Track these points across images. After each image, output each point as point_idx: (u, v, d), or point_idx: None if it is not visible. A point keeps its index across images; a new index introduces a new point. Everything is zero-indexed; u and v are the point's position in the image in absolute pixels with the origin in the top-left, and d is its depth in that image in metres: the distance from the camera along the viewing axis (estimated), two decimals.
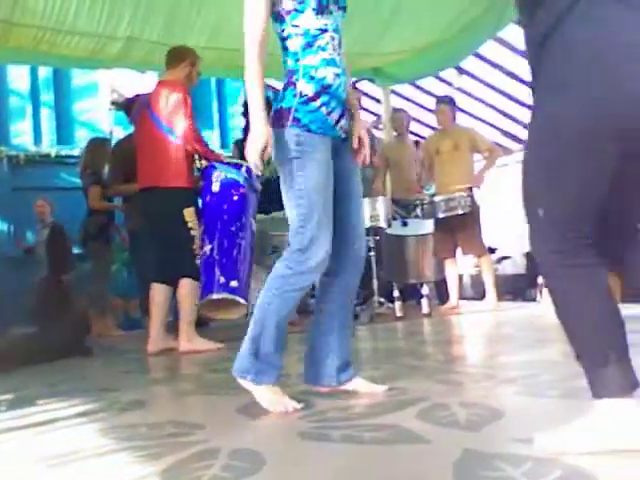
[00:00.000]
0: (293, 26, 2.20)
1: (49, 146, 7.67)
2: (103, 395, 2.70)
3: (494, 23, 5.94)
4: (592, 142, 1.47)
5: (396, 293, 5.16)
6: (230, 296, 3.92)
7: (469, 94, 8.17)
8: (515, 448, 1.55)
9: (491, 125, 8.72)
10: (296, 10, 2.19)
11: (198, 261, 3.97)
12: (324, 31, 2.20)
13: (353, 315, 2.53)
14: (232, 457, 1.64)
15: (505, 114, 8.54)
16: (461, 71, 7.80)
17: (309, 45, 2.19)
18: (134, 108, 4.66)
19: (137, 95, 5.28)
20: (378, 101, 8.19)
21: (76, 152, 7.49)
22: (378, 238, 5.34)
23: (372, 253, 5.24)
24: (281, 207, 4.82)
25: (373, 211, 5.10)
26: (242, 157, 4.98)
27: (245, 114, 5.46)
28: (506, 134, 8.91)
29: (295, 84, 2.20)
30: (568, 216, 1.53)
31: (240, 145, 5.40)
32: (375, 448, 1.67)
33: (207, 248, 3.95)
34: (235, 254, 3.98)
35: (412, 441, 1.69)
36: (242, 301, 3.97)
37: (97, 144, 5.64)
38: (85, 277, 5.76)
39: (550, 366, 2.55)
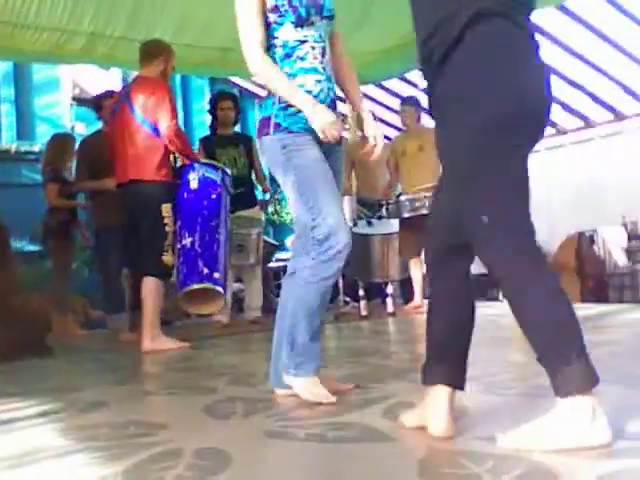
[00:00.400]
0: (273, 38, 2.29)
1: (9, 142, 7.51)
2: (63, 395, 2.65)
3: None
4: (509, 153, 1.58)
5: (361, 292, 5.19)
6: (214, 286, 3.97)
7: None
8: (479, 445, 1.57)
9: None
10: (276, 23, 2.27)
11: (165, 257, 3.94)
12: (303, 42, 2.28)
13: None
14: (196, 457, 1.62)
15: None
16: None
17: (288, 56, 2.28)
18: (107, 104, 4.65)
19: (108, 91, 5.24)
20: (344, 101, 8.20)
21: (36, 148, 7.37)
22: None
23: None
24: (245, 206, 4.80)
25: None
26: (208, 155, 4.98)
27: (211, 111, 5.42)
28: None
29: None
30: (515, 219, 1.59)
31: (205, 143, 5.37)
32: (341, 447, 1.67)
33: (187, 241, 3.97)
34: (216, 248, 4.03)
35: (377, 439, 1.69)
36: (221, 291, 4.01)
37: (59, 140, 5.53)
38: (45, 275, 5.67)
39: (512, 365, 2.59)
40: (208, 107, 5.55)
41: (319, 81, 2.28)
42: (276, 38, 2.28)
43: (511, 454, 1.46)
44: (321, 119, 2.18)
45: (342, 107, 8.66)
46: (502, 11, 1.58)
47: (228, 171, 4.36)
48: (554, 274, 1.64)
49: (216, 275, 3.97)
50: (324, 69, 2.31)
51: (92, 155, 4.84)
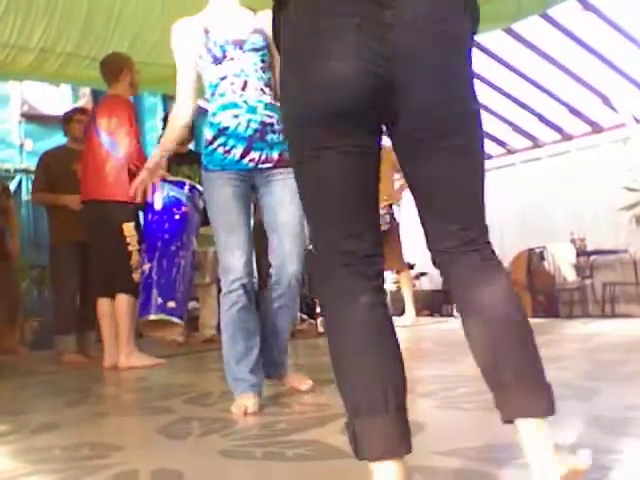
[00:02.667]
0: (205, 80, 2.51)
1: None
2: (12, 418, 2.57)
3: None
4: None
5: (318, 309, 5.19)
6: (166, 317, 3.90)
7: None
8: (436, 460, 1.57)
9: None
10: (202, 67, 2.50)
11: (136, 277, 3.93)
12: (223, 78, 2.45)
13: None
14: (153, 478, 1.59)
15: None
16: None
17: (212, 94, 2.48)
18: (76, 118, 4.73)
19: (77, 108, 5.20)
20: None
21: None
22: None
23: None
24: (201, 224, 4.74)
25: None
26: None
27: (164, 129, 5.38)
28: None
29: None
30: (326, 231, 1.30)
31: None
32: (299, 464, 1.66)
33: (146, 267, 3.91)
34: (174, 273, 3.96)
35: (335, 456, 1.69)
36: (178, 321, 3.97)
37: None
38: None
39: (467, 380, 2.61)
40: (161, 125, 5.50)
41: (236, 115, 2.42)
42: (206, 80, 2.50)
43: (469, 468, 1.48)
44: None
45: None
46: None
47: (198, 186, 4.34)
48: None
49: (170, 304, 3.90)
50: (245, 102, 2.43)
51: (53, 169, 4.75)
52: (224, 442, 1.92)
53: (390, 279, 8.02)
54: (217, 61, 2.45)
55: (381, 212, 5.44)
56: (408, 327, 5.48)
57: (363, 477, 1.51)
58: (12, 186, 7.51)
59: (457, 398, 2.35)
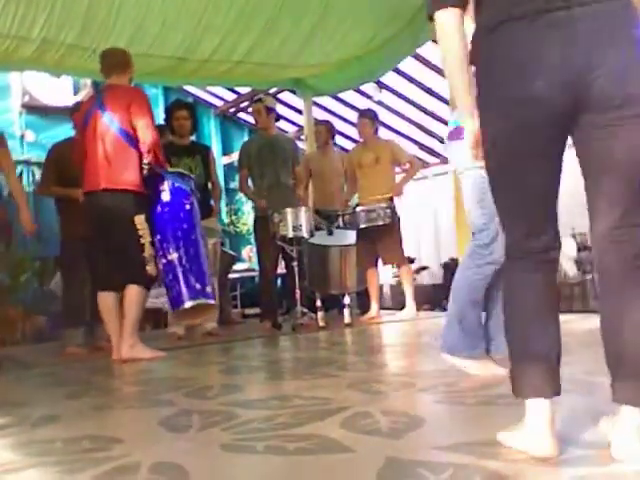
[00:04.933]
0: None
1: None
2: (14, 410, 2.58)
3: (412, 40, 6.11)
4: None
5: (318, 303, 5.19)
6: (206, 301, 4.04)
7: (388, 108, 8.34)
8: (436, 455, 1.58)
9: (408, 138, 8.93)
10: None
11: (149, 268, 3.91)
12: None
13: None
14: (153, 471, 1.59)
15: (422, 128, 8.76)
16: (381, 85, 7.95)
17: None
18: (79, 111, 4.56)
19: (78, 103, 5.20)
20: (300, 112, 8.24)
21: None
22: (300, 248, 5.35)
23: (295, 263, 5.26)
24: (202, 216, 4.76)
25: (296, 221, 5.12)
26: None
27: (166, 121, 5.37)
28: (423, 147, 9.14)
29: None
30: (514, 227, 1.59)
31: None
32: (299, 458, 1.66)
33: (173, 256, 3.95)
34: (202, 260, 4.09)
35: (336, 450, 1.69)
36: (214, 302, 4.17)
37: None
38: None
39: (467, 374, 2.61)
40: (163, 116, 5.49)
41: None
42: None
43: (469, 463, 1.48)
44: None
45: (299, 118, 8.73)
46: None
47: (193, 177, 4.40)
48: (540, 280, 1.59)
49: (208, 289, 4.04)
50: None
51: (62, 162, 4.72)
52: (225, 435, 1.92)
53: (391, 274, 8.04)
54: None
55: (382, 206, 5.44)
56: (408, 321, 5.49)
57: (364, 470, 1.52)
58: None
59: (458, 393, 2.35)
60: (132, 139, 3.91)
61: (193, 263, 3.98)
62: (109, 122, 3.93)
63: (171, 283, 3.96)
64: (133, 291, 3.89)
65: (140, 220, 3.92)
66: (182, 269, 3.95)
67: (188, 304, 3.96)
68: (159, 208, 4.03)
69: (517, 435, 1.55)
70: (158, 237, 3.99)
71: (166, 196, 4.04)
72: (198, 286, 3.95)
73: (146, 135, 3.89)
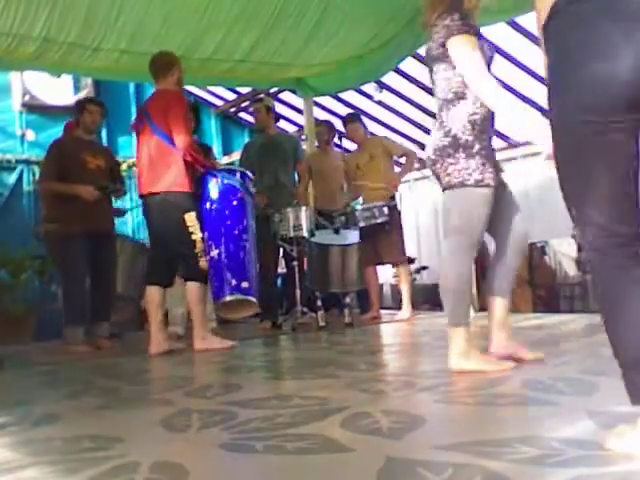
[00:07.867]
0: None
1: None
2: (13, 409, 2.58)
3: (412, 40, 6.10)
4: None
5: (319, 303, 5.19)
6: (242, 297, 4.18)
7: (388, 108, 8.33)
8: (436, 455, 1.58)
9: (409, 138, 8.92)
10: None
11: (203, 264, 4.11)
12: None
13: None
14: (153, 470, 1.59)
15: (422, 128, 8.76)
16: (381, 85, 7.94)
17: None
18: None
19: (88, 99, 5.39)
20: (300, 112, 8.23)
21: None
22: (300, 248, 5.35)
23: (295, 263, 5.26)
24: None
25: (296, 221, 5.12)
26: None
27: None
28: (423, 147, 9.13)
29: None
30: (598, 215, 1.49)
31: None
32: (299, 458, 1.66)
33: (214, 253, 4.15)
34: (242, 256, 4.22)
35: (336, 450, 1.69)
36: (253, 300, 4.24)
37: None
38: None
39: (466, 374, 2.61)
40: None
41: None
42: None
43: (469, 463, 1.47)
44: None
45: (299, 118, 8.71)
46: None
47: (248, 173, 4.51)
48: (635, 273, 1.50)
49: (244, 285, 4.17)
50: None
51: (63, 159, 4.73)
52: (224, 435, 1.92)
53: (391, 273, 8.03)
54: None
55: (378, 204, 5.45)
56: (408, 321, 5.49)
57: (364, 470, 1.52)
58: (13, 177, 7.52)
59: (458, 392, 2.35)
60: (173, 141, 4.09)
61: (231, 259, 4.17)
62: (152, 127, 4.14)
63: (212, 278, 4.18)
64: (193, 288, 4.12)
65: (191, 217, 4.10)
66: (221, 265, 4.15)
67: (226, 299, 4.17)
68: (208, 205, 4.23)
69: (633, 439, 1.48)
70: (206, 234, 4.18)
71: (214, 193, 4.24)
72: (234, 282, 4.15)
73: (179, 140, 4.06)
